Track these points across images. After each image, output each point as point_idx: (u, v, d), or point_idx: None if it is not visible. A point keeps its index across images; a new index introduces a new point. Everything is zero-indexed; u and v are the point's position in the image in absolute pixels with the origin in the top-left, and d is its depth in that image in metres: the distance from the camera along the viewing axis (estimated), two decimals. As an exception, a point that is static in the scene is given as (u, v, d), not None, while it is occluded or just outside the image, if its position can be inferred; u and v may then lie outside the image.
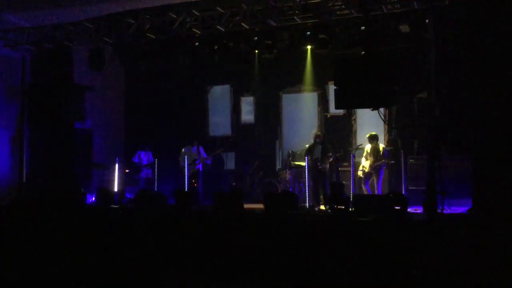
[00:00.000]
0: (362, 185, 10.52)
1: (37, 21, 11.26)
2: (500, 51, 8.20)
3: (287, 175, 11.78)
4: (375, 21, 9.75)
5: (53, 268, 6.63)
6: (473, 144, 8.76)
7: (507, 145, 8.07)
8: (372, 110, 8.54)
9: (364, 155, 10.64)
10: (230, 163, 13.66)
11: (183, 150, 12.47)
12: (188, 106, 14.04)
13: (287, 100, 13.33)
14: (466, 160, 9.49)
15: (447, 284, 5.65)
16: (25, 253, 7.27)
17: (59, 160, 11.71)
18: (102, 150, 13.61)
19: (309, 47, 11.99)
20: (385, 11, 9.32)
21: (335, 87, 8.72)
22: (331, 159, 10.46)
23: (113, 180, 12.28)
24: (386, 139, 11.78)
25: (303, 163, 10.84)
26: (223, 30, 10.31)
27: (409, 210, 8.55)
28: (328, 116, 12.74)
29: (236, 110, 13.89)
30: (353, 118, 12.39)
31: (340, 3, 9.32)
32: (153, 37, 10.86)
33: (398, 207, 8.11)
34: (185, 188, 11.50)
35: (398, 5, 9.19)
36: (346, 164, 10.99)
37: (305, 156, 10.67)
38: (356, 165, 10.57)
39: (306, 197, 10.42)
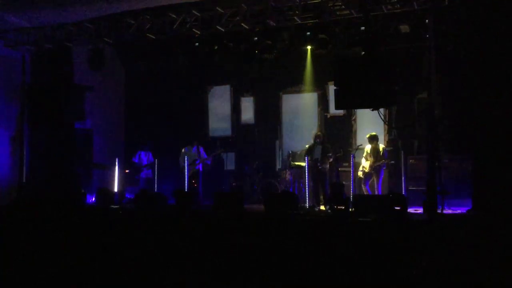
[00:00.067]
0: (362, 185, 10.52)
1: (37, 21, 11.26)
2: (500, 51, 8.18)
3: (287, 175, 11.77)
4: (375, 21, 9.76)
5: (53, 268, 6.62)
6: (473, 144, 8.74)
7: (507, 145, 8.05)
8: (372, 110, 8.52)
9: (364, 155, 10.64)
10: (230, 163, 13.65)
11: (183, 150, 12.46)
12: (188, 106, 14.02)
13: (287, 100, 13.32)
14: (466, 160, 9.51)
15: (447, 284, 5.64)
16: (25, 253, 7.26)
17: (59, 160, 11.67)
18: (102, 150, 13.59)
19: (309, 47, 12.00)
20: (385, 11, 9.32)
21: (335, 87, 8.70)
22: (331, 159, 10.47)
23: (113, 180, 12.27)
24: (386, 139, 11.77)
25: (303, 163, 10.83)
26: (223, 30, 10.31)
27: (409, 210, 8.54)
28: (328, 116, 12.73)
29: (236, 110, 13.88)
30: (353, 118, 12.39)
31: (340, 3, 9.32)
32: (153, 37, 10.85)
33: (398, 207, 8.11)
34: (185, 188, 11.48)
35: (398, 5, 9.18)
36: (346, 164, 10.97)
37: (305, 156, 10.66)
38: (356, 166, 10.57)
39: (306, 197, 10.41)
